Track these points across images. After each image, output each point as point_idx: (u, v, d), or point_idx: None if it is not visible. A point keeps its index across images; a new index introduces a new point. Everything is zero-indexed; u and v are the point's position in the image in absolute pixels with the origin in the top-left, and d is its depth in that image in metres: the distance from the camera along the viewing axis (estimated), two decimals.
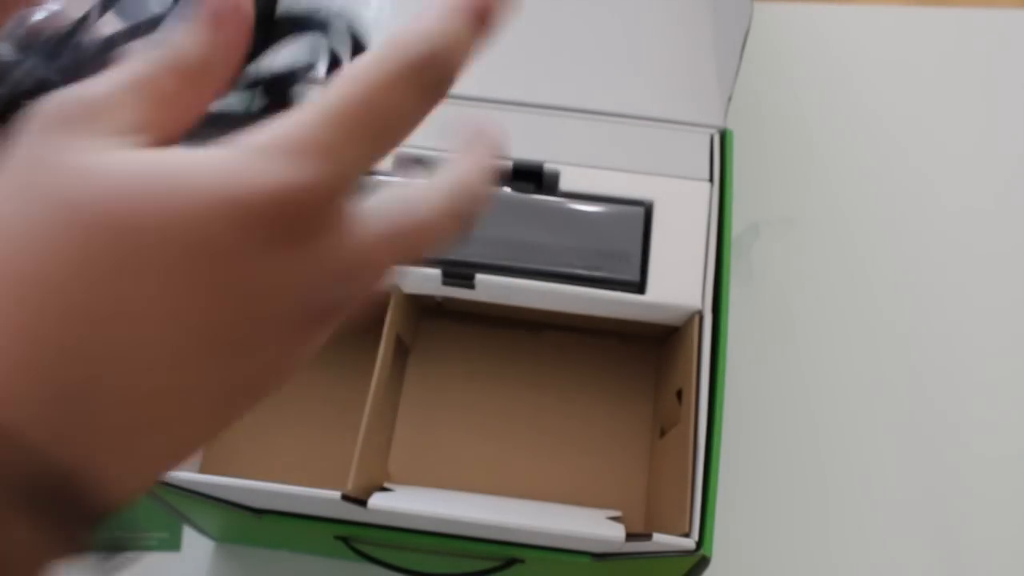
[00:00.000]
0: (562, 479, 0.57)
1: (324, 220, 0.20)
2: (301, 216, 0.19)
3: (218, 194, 0.19)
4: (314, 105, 0.20)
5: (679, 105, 0.59)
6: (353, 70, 0.21)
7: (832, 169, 0.74)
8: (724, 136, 0.58)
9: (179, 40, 0.22)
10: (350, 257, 0.21)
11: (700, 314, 0.53)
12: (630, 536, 0.48)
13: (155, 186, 0.19)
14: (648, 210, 0.56)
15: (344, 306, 0.22)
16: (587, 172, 0.57)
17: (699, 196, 0.56)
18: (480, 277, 0.53)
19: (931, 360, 0.67)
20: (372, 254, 0.22)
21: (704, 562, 0.47)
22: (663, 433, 0.56)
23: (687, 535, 0.47)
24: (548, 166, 0.57)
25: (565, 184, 0.56)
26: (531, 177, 0.57)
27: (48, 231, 0.18)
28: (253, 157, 0.19)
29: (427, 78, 0.23)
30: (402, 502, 0.48)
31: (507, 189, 0.56)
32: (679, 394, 0.53)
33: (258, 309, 0.20)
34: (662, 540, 0.46)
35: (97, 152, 0.19)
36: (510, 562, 0.51)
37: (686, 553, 0.47)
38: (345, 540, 0.52)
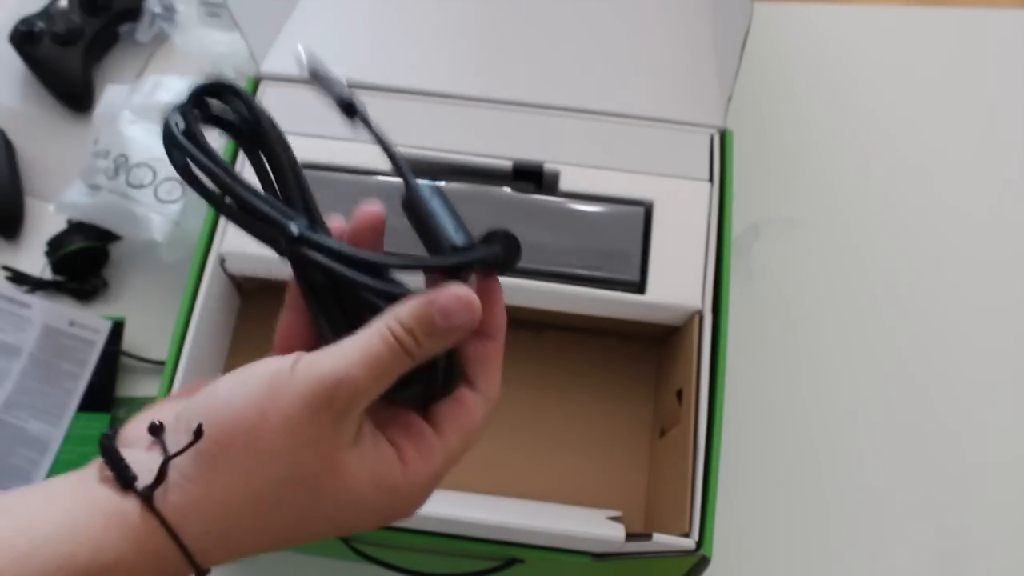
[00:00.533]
0: (562, 479, 0.57)
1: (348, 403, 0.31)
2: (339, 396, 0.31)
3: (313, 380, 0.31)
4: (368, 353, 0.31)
5: (679, 105, 0.59)
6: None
7: (832, 169, 0.74)
8: (724, 136, 0.58)
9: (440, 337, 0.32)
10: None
11: (700, 314, 0.53)
12: (630, 536, 0.48)
13: None
14: (648, 210, 0.56)
15: None
16: (587, 172, 0.57)
17: (699, 196, 0.56)
18: None
19: (930, 360, 0.67)
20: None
21: (704, 562, 0.47)
22: (663, 433, 0.56)
23: (687, 535, 0.47)
24: (548, 166, 0.57)
25: (565, 184, 0.56)
26: (531, 177, 0.57)
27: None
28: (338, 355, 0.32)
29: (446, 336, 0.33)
30: None
31: (507, 189, 0.56)
32: (679, 394, 0.53)
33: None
34: (662, 540, 0.46)
35: (344, 453, 0.31)
36: (510, 562, 0.51)
37: (686, 553, 0.47)
38: (345, 540, 0.52)
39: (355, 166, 0.56)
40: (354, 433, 0.31)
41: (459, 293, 0.32)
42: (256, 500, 0.30)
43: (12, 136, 0.73)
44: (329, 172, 0.56)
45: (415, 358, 0.32)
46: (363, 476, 0.31)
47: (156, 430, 0.31)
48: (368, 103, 0.60)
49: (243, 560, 0.32)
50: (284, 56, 0.61)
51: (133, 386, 0.66)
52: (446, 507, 0.48)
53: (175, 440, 0.31)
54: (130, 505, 0.30)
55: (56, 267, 0.68)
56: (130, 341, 0.66)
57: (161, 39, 0.78)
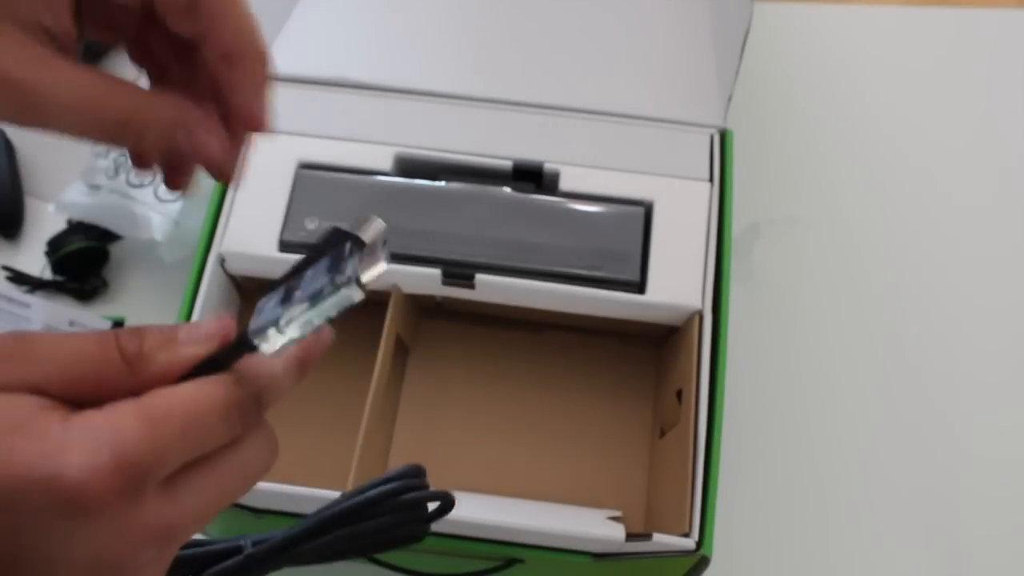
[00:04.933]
0: (562, 479, 0.57)
1: (112, 502, 0.25)
2: (89, 495, 0.24)
3: (29, 474, 0.25)
4: (140, 408, 0.26)
5: (679, 105, 0.59)
6: (182, 392, 0.27)
7: (832, 169, 0.74)
8: (724, 136, 0.58)
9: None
10: (151, 525, 0.26)
11: (700, 314, 0.53)
12: (630, 536, 0.48)
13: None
14: (648, 210, 0.56)
15: (161, 557, 0.27)
16: (587, 172, 0.57)
17: (699, 196, 0.56)
18: (480, 277, 0.53)
19: (930, 360, 0.67)
20: (179, 520, 0.27)
21: (704, 562, 0.47)
22: (663, 433, 0.56)
23: (687, 535, 0.47)
24: (548, 166, 0.57)
25: (565, 184, 0.56)
26: (531, 177, 0.57)
27: None
28: (66, 447, 0.25)
29: (242, 415, 0.28)
30: None
31: (507, 189, 0.56)
32: (679, 394, 0.53)
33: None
34: (662, 540, 0.46)
35: None
36: (510, 562, 0.51)
37: (686, 553, 0.47)
38: None
39: (355, 166, 0.56)
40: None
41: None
42: None
43: (12, 136, 0.73)
44: (329, 172, 0.56)
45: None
46: None
47: None
48: (368, 103, 0.60)
49: None
50: (284, 56, 0.61)
51: None
52: None
53: None
54: None
55: (56, 267, 0.68)
56: None
57: None
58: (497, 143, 0.57)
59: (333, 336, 0.29)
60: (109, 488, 0.25)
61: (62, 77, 0.29)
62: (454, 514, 0.47)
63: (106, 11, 0.33)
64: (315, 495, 0.46)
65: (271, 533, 0.35)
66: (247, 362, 0.28)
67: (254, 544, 0.35)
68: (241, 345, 0.27)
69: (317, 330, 0.26)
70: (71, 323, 0.65)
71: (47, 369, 0.26)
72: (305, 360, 0.29)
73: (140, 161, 0.35)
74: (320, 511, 0.36)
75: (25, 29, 0.29)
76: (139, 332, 0.28)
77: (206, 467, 0.27)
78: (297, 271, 0.27)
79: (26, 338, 0.27)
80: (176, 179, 0.35)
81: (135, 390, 0.26)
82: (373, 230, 0.26)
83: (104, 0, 0.32)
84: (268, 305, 0.27)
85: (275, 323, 0.26)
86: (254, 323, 0.27)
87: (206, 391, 0.27)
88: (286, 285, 0.27)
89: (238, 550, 0.35)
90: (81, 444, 0.25)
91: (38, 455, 0.24)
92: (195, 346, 0.28)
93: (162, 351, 0.27)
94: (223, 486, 0.28)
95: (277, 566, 0.36)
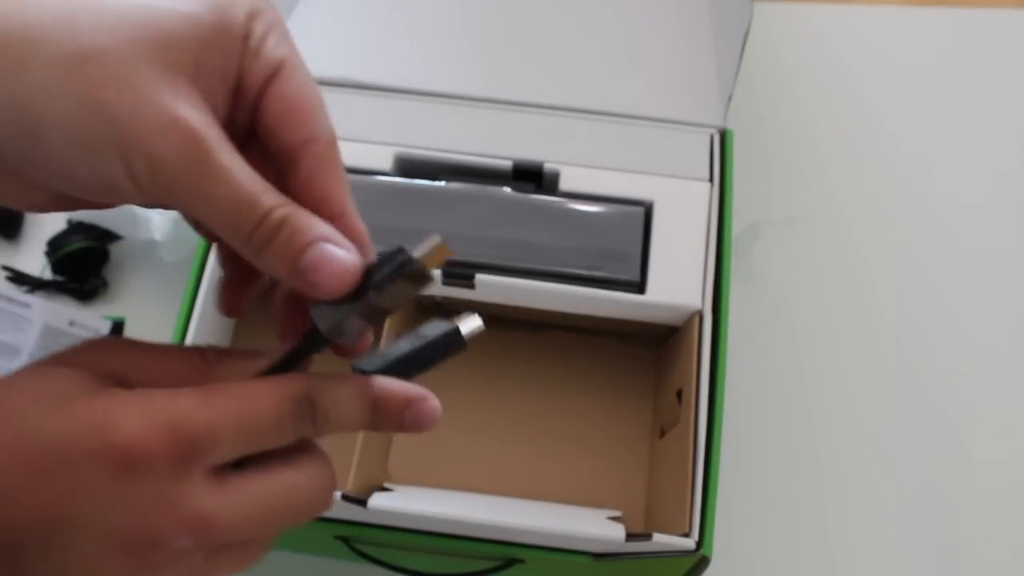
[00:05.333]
0: (562, 479, 0.57)
1: (160, 467, 0.25)
2: (131, 456, 0.25)
3: (89, 428, 0.26)
4: (199, 392, 0.26)
5: (679, 105, 0.59)
6: (244, 384, 0.27)
7: (832, 169, 0.74)
8: (724, 136, 0.58)
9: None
10: (194, 509, 0.26)
11: (700, 314, 0.53)
12: (630, 536, 0.48)
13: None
14: (648, 210, 0.56)
15: (193, 557, 0.27)
16: (587, 172, 0.57)
17: (699, 196, 0.56)
18: (480, 277, 0.53)
19: (930, 360, 0.67)
20: (221, 516, 0.26)
21: (704, 562, 0.47)
22: (663, 433, 0.56)
23: (687, 535, 0.47)
24: (548, 166, 0.57)
25: (565, 184, 0.56)
26: (531, 177, 0.57)
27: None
28: (126, 408, 0.26)
29: (296, 423, 0.28)
30: (402, 502, 0.48)
31: (507, 189, 0.56)
32: (679, 394, 0.53)
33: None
34: (662, 540, 0.46)
35: None
36: (510, 562, 0.51)
37: (686, 553, 0.47)
38: (345, 540, 0.52)
39: (355, 166, 0.56)
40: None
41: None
42: None
43: None
44: None
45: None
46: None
47: None
48: (368, 103, 0.60)
49: None
50: None
51: None
52: (446, 507, 0.48)
53: None
54: None
55: (56, 267, 0.68)
56: None
57: None
58: (497, 143, 0.57)
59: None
60: (159, 450, 0.25)
61: (228, 142, 0.27)
62: (454, 514, 0.47)
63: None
64: None
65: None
66: (315, 381, 0.28)
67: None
68: (313, 343, 0.28)
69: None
70: (71, 323, 0.65)
71: (137, 369, 0.28)
72: (379, 402, 0.30)
73: (241, 279, 0.33)
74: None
75: (198, 88, 0.27)
76: (227, 352, 0.29)
77: (258, 474, 0.27)
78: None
79: (131, 342, 0.29)
80: (240, 299, 0.34)
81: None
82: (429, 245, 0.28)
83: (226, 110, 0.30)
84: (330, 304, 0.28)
85: (343, 316, 0.28)
86: (323, 322, 0.28)
87: (264, 387, 0.27)
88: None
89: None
90: (140, 407, 0.26)
91: (100, 413, 0.25)
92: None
93: (239, 363, 0.29)
94: (271, 500, 0.28)
95: None
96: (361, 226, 0.29)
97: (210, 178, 0.26)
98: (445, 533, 0.48)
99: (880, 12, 0.80)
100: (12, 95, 0.25)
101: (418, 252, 0.28)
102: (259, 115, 0.29)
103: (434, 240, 0.29)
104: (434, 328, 0.32)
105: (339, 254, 0.27)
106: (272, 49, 0.28)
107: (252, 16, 0.28)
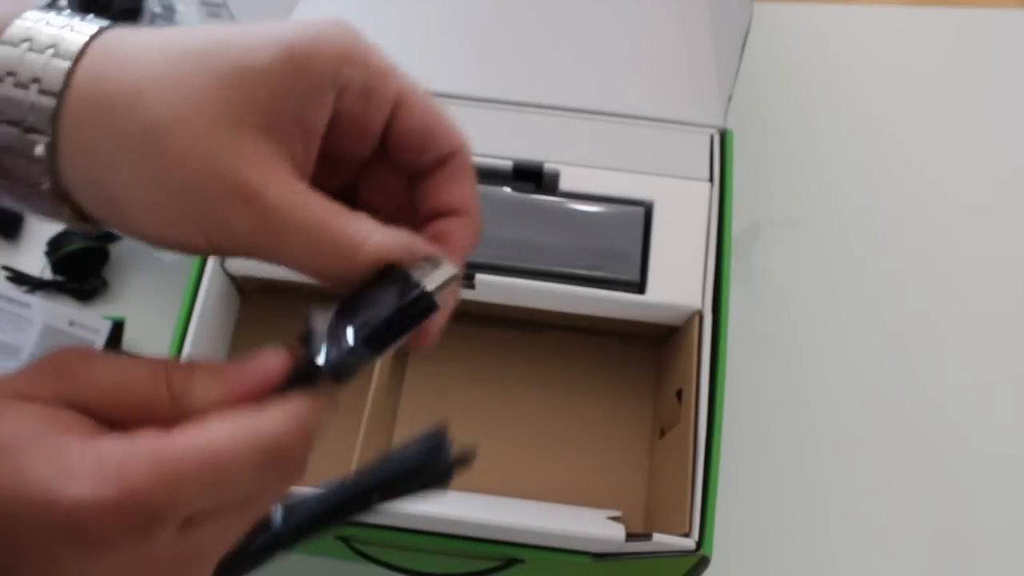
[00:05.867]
0: (562, 479, 0.57)
1: (115, 539, 0.23)
2: (89, 528, 0.23)
3: (29, 494, 0.23)
4: (157, 446, 0.24)
5: (679, 105, 0.59)
6: (208, 432, 0.25)
7: (832, 169, 0.74)
8: (724, 136, 0.58)
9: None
10: (164, 558, 0.25)
11: (700, 314, 0.53)
12: (630, 536, 0.48)
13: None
14: (648, 210, 0.56)
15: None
16: (587, 172, 0.57)
17: (699, 196, 0.56)
18: (480, 277, 0.53)
19: (930, 360, 0.67)
20: (198, 552, 0.25)
21: (704, 562, 0.47)
22: (663, 433, 0.56)
23: (687, 535, 0.47)
24: (548, 166, 0.57)
25: (565, 184, 0.56)
26: (531, 177, 0.57)
27: None
28: (74, 473, 0.23)
29: (274, 464, 0.26)
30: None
31: (507, 189, 0.56)
32: (679, 394, 0.53)
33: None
34: (662, 540, 0.46)
35: None
36: (510, 562, 0.51)
37: (686, 553, 0.47)
38: (345, 540, 0.52)
39: None
40: None
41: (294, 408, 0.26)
42: None
43: None
44: None
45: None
46: None
47: None
48: None
49: None
50: None
51: None
52: (446, 507, 0.48)
53: None
54: None
55: (56, 267, 0.68)
56: (130, 341, 0.66)
57: None
58: (497, 143, 0.57)
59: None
60: (112, 525, 0.23)
61: (299, 194, 0.27)
62: (454, 514, 0.47)
63: (339, 156, 0.30)
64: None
65: (299, 503, 0.31)
66: (299, 404, 0.26)
67: (284, 518, 0.31)
68: (308, 374, 0.26)
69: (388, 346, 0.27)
70: (71, 323, 0.65)
71: (93, 390, 0.25)
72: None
73: None
74: (346, 486, 0.33)
75: (270, 141, 0.27)
76: (191, 367, 0.26)
77: (233, 511, 0.26)
78: (357, 290, 0.27)
79: (84, 355, 0.26)
80: None
81: (174, 422, 0.25)
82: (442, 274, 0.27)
83: (341, 147, 0.30)
84: (324, 324, 0.27)
85: (340, 342, 0.26)
86: (320, 348, 0.26)
87: (238, 432, 0.25)
88: (346, 300, 0.27)
89: (266, 527, 0.32)
90: (90, 473, 0.23)
91: (44, 475, 0.23)
92: (242, 385, 0.27)
93: (204, 387, 0.26)
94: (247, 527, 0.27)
95: (305, 540, 0.34)
96: (481, 221, 0.31)
97: (281, 236, 0.26)
98: (445, 533, 0.48)
99: (880, 12, 0.80)
100: (87, 172, 0.26)
101: (431, 285, 0.27)
102: (389, 147, 0.30)
103: (448, 271, 0.28)
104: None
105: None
106: (382, 91, 0.29)
107: (342, 62, 0.28)
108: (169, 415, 0.26)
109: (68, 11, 0.29)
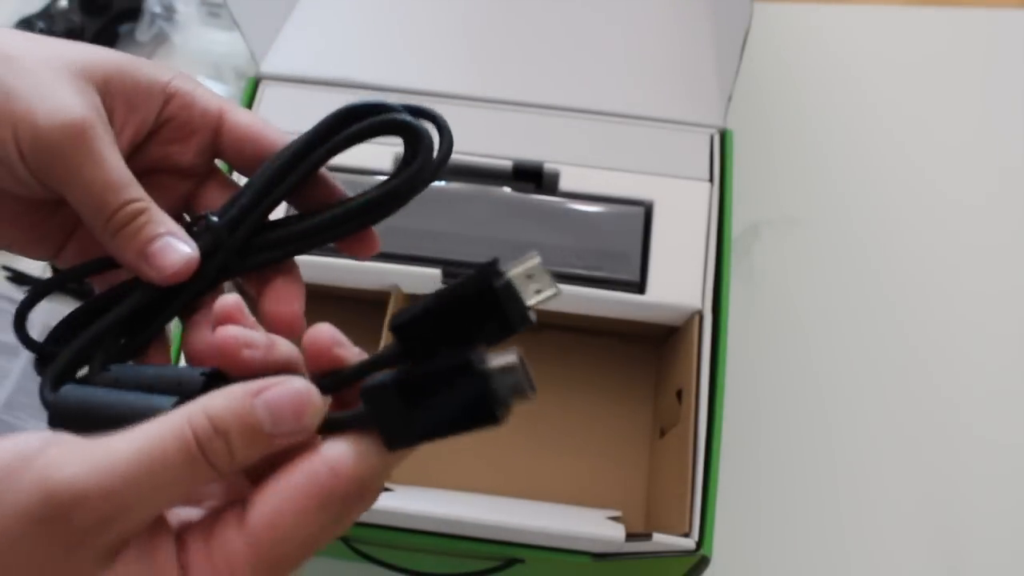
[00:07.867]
0: (562, 479, 0.57)
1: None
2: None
3: None
4: (246, 549, 0.25)
5: (679, 105, 0.59)
6: (283, 518, 0.25)
7: (832, 169, 0.74)
8: (724, 136, 0.58)
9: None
10: None
11: (700, 314, 0.53)
12: (630, 536, 0.48)
13: None
14: (648, 210, 0.56)
15: None
16: (587, 172, 0.57)
17: (699, 196, 0.56)
18: None
19: (932, 360, 0.67)
20: None
21: (704, 562, 0.47)
22: (663, 433, 0.56)
23: (687, 535, 0.47)
24: (548, 166, 0.57)
25: (565, 184, 0.56)
26: (531, 177, 0.57)
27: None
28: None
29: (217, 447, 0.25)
30: (402, 502, 0.48)
31: (507, 189, 0.56)
32: (679, 394, 0.53)
33: None
34: (662, 540, 0.46)
35: None
36: (510, 562, 0.51)
37: (686, 553, 0.47)
38: (345, 540, 0.52)
39: (354, 166, 0.56)
40: (104, 553, 0.23)
41: (299, 388, 0.25)
42: None
43: None
44: (329, 172, 0.56)
45: (222, 470, 0.24)
46: None
47: None
48: None
49: None
50: (284, 55, 0.61)
51: None
52: (446, 507, 0.48)
53: None
54: None
55: (56, 267, 0.68)
56: None
57: (161, 39, 0.78)
58: (497, 143, 0.57)
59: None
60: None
61: (109, 144, 0.30)
62: (454, 514, 0.47)
63: (172, 167, 0.34)
64: None
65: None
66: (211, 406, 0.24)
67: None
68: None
69: None
70: None
71: (131, 512, 0.23)
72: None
73: None
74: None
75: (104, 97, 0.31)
76: (223, 435, 0.24)
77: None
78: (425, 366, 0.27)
79: (114, 490, 0.23)
80: None
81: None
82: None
83: (171, 153, 0.33)
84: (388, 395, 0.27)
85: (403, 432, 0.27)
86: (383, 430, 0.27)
87: (156, 434, 0.24)
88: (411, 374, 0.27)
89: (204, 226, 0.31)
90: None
91: None
92: (288, 437, 0.25)
93: (252, 449, 0.25)
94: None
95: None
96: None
97: (87, 161, 0.29)
98: (445, 533, 0.48)
99: (880, 12, 0.80)
100: None
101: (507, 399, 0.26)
102: (223, 151, 0.33)
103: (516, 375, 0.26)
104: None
105: (182, 247, 0.30)
106: (207, 100, 0.32)
107: (175, 74, 0.32)
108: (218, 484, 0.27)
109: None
